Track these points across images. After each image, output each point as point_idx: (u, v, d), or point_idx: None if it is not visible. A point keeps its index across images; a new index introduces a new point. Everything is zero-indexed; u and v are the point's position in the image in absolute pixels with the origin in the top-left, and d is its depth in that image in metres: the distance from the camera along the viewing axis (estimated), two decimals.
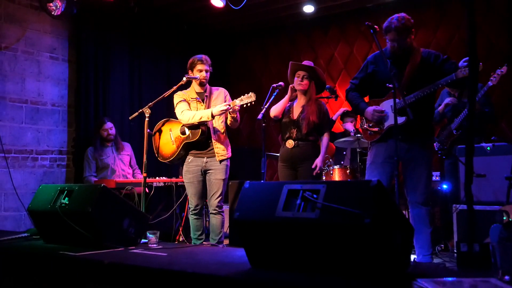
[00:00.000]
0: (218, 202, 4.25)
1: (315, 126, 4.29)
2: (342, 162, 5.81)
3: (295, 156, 4.26)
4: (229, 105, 4.07)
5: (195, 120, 4.19)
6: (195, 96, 4.37)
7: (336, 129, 6.84)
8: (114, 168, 5.50)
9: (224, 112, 4.14)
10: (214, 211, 4.27)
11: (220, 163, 4.26)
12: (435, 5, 6.37)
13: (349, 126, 6.01)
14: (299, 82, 4.35)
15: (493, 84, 4.42)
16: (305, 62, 4.57)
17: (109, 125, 5.56)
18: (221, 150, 4.28)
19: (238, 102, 4.08)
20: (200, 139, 4.23)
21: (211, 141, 4.28)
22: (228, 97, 4.39)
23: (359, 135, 5.39)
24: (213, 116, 4.13)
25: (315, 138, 4.34)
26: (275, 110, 4.44)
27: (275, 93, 4.25)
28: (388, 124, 3.61)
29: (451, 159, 4.96)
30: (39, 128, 5.59)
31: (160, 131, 4.56)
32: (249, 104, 4.07)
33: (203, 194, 4.36)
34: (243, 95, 4.07)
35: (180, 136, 4.36)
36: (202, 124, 4.22)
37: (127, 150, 5.75)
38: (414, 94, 3.49)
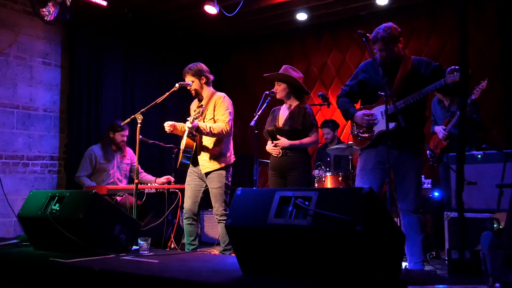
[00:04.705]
0: (219, 210, 4.25)
1: (299, 133, 4.21)
2: (327, 169, 5.74)
3: (283, 165, 4.21)
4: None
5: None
6: (198, 104, 4.43)
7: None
8: (110, 174, 5.45)
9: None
10: (217, 220, 4.29)
11: (206, 176, 4.27)
12: (427, 13, 6.42)
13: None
14: (275, 91, 4.34)
15: (475, 98, 4.51)
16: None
17: (127, 132, 5.51)
18: (206, 163, 4.28)
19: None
20: (186, 150, 4.27)
21: (198, 154, 4.31)
22: (221, 105, 4.29)
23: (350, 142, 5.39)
24: None
25: None
26: None
27: (268, 100, 4.23)
28: (378, 130, 3.62)
29: (443, 166, 4.98)
30: (30, 133, 5.56)
31: None
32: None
33: (197, 199, 4.35)
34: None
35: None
36: (191, 136, 4.25)
37: (128, 158, 5.66)
38: (404, 99, 3.50)
